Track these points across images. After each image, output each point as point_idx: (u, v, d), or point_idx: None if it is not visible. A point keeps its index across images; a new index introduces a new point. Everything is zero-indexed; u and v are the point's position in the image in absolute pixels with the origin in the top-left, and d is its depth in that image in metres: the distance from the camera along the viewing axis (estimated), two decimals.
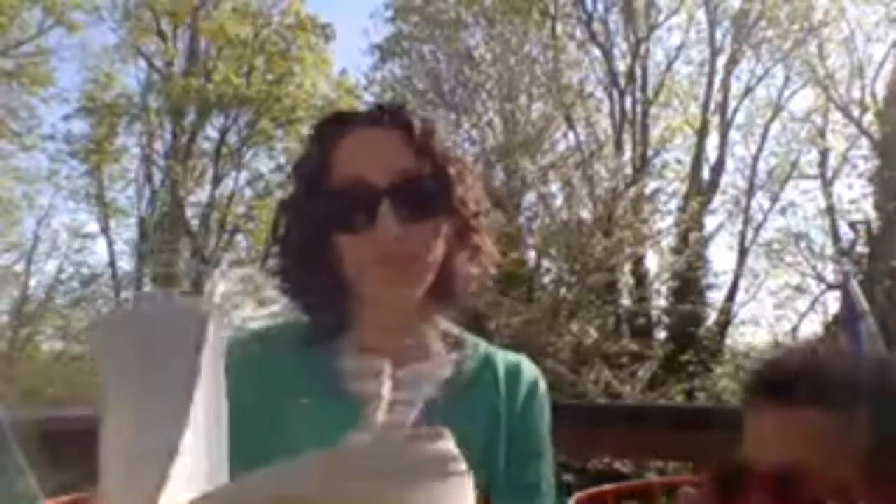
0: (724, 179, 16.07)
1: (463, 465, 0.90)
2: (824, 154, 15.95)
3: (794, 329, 14.92)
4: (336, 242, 1.01)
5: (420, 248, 1.01)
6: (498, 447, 1.04)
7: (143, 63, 16.70)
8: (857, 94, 15.73)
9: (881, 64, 15.42)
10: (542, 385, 1.13)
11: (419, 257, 1.01)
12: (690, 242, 13.56)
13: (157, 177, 16.40)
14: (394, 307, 1.04)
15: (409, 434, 0.93)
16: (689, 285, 13.76)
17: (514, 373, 1.10)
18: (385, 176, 0.98)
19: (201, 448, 0.59)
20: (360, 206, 0.98)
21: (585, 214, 12.61)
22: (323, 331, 1.06)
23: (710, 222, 15.44)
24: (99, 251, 16.33)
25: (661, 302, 14.00)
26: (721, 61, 16.07)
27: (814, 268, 15.47)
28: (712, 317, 14.50)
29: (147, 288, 15.97)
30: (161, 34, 16.49)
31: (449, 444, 0.90)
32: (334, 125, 1.06)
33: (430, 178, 1.01)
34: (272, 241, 1.07)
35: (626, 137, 15.24)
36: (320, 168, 1.02)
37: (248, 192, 16.98)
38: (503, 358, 1.12)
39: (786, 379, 0.81)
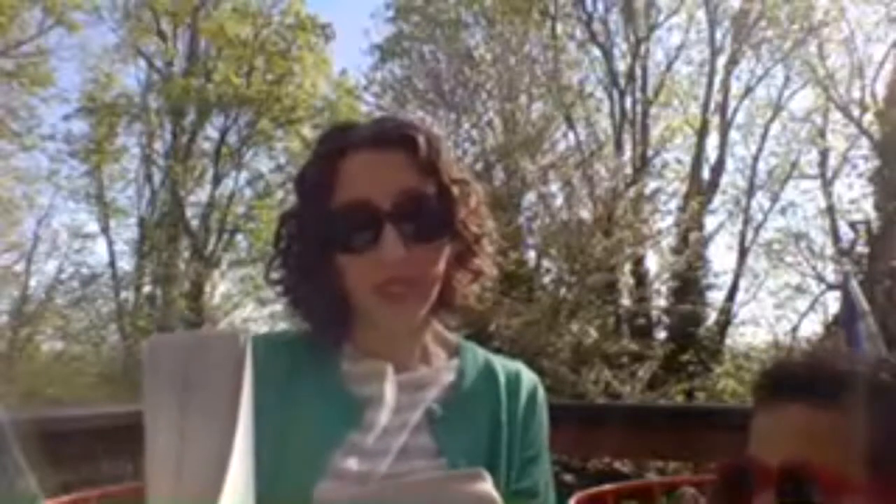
0: (724, 179, 16.13)
1: None
2: (824, 154, 15.96)
3: (794, 329, 14.94)
4: (338, 261, 1.01)
5: (423, 270, 1.01)
6: (499, 454, 1.04)
7: (143, 63, 16.75)
8: (857, 94, 15.77)
9: (881, 64, 15.46)
10: (542, 392, 1.13)
11: (422, 279, 1.01)
12: (690, 242, 13.56)
13: (157, 177, 16.42)
14: (396, 327, 1.04)
15: (451, 475, 0.95)
16: (689, 285, 13.76)
17: (514, 381, 1.11)
18: (388, 197, 0.98)
19: (242, 459, 0.63)
20: (364, 227, 0.98)
21: (585, 214, 12.60)
22: (325, 339, 1.06)
23: (710, 222, 15.49)
24: (99, 251, 16.33)
25: (661, 302, 14.01)
26: (721, 61, 16.10)
27: (814, 268, 15.49)
28: (712, 317, 14.51)
29: (147, 288, 16.00)
30: (161, 34, 16.49)
31: (488, 486, 0.93)
32: (337, 141, 1.04)
33: (433, 200, 1.01)
34: (274, 253, 1.07)
35: (626, 137, 15.25)
36: (323, 186, 1.02)
37: (248, 192, 17.01)
38: (503, 365, 1.12)
39: (795, 378, 0.82)
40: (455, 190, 1.03)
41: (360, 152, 1.02)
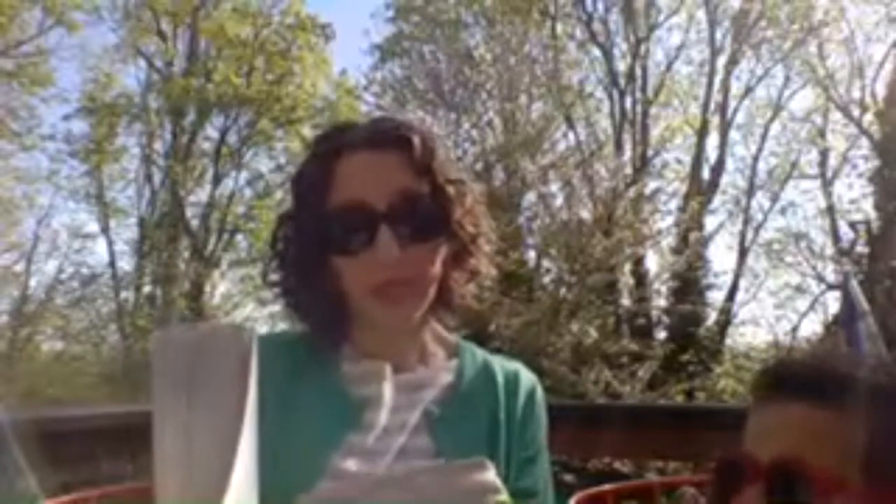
0: (724, 179, 16.13)
1: (504, 495, 0.93)
2: (824, 154, 15.96)
3: (794, 329, 14.94)
4: (335, 263, 1.01)
5: (419, 270, 1.01)
6: (498, 453, 1.04)
7: (143, 63, 16.74)
8: (857, 94, 15.77)
9: (881, 64, 15.45)
10: (540, 392, 1.14)
11: (418, 280, 1.01)
12: (690, 242, 13.57)
13: (157, 177, 16.42)
14: (393, 327, 1.05)
15: (454, 465, 0.96)
16: (689, 285, 13.76)
17: (512, 381, 1.11)
18: (384, 199, 0.98)
19: (248, 453, 0.64)
20: (359, 229, 0.98)
21: (585, 214, 12.61)
22: (324, 340, 1.07)
23: (710, 222, 15.49)
24: (99, 251, 16.31)
25: (661, 302, 14.01)
26: (721, 61, 16.10)
27: (814, 268, 15.49)
28: (712, 317, 14.51)
29: (147, 288, 16.00)
30: (161, 34, 16.49)
31: (491, 474, 0.94)
32: (333, 142, 1.04)
33: (428, 200, 1.01)
34: (272, 255, 1.07)
35: (626, 137, 15.26)
36: (319, 187, 1.02)
37: (248, 192, 17.01)
38: (501, 365, 1.13)
39: (794, 377, 0.82)
40: (450, 190, 1.03)
41: (356, 153, 1.02)
